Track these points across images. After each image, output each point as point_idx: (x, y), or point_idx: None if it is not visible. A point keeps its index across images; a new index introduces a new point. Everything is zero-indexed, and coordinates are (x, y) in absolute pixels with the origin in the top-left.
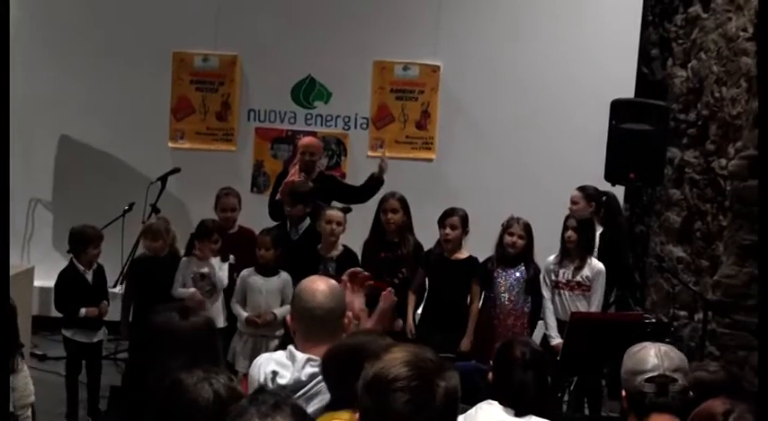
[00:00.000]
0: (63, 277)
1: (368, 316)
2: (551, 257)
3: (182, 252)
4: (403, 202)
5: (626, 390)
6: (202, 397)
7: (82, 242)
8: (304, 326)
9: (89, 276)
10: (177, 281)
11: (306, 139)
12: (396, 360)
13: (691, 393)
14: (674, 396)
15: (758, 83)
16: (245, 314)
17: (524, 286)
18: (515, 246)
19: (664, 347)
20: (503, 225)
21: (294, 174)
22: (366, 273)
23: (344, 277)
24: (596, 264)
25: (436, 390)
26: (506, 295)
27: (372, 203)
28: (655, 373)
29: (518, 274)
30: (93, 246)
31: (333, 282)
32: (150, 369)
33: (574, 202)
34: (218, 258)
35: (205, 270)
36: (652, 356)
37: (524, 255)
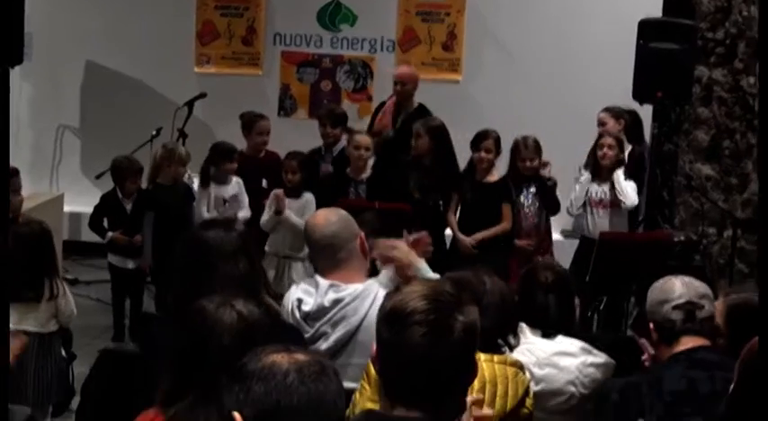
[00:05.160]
0: (103, 199)
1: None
2: (585, 176)
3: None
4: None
5: (653, 322)
6: (224, 320)
7: (119, 175)
8: (316, 257)
9: (127, 205)
10: (199, 208)
11: (398, 70)
12: (414, 293)
13: (716, 321)
14: (701, 321)
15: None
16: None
17: (539, 202)
18: (529, 168)
19: (687, 278)
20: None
21: (391, 105)
22: (428, 239)
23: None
24: None
25: (454, 325)
26: (527, 212)
27: None
28: (682, 300)
29: (533, 189)
30: (131, 181)
31: (334, 212)
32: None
33: (602, 123)
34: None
35: (231, 193)
36: (678, 286)
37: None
